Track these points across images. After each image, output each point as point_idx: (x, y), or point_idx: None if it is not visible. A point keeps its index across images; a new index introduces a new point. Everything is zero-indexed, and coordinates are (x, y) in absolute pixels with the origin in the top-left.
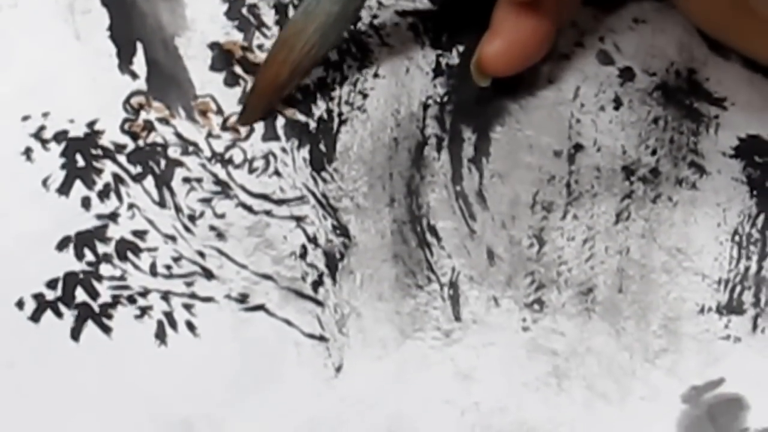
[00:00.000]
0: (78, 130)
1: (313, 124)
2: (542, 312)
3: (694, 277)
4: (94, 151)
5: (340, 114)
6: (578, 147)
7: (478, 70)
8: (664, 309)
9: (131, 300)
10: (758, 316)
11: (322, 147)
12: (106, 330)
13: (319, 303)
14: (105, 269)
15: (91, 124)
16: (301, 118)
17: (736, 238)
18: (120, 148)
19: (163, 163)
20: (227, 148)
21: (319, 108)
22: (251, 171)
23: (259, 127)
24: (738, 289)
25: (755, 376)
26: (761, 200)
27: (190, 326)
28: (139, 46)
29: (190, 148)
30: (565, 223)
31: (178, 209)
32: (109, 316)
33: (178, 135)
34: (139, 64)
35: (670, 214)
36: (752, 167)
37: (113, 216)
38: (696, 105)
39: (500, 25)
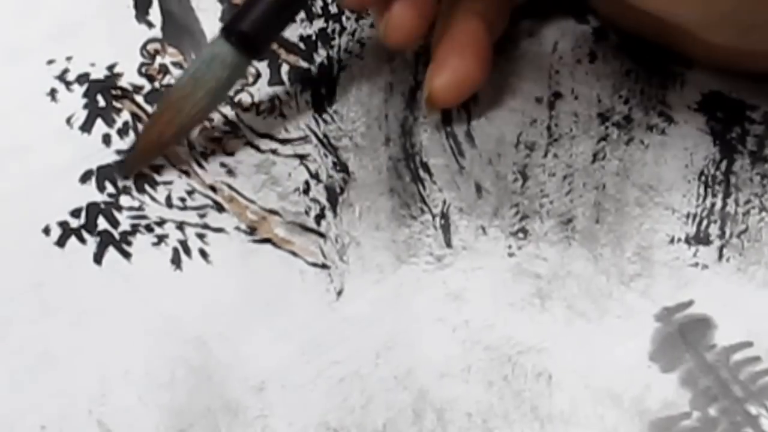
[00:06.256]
0: (99, 73)
1: (314, 70)
2: (526, 239)
3: (665, 211)
4: (113, 92)
5: (339, 61)
6: (557, 95)
7: (429, 104)
8: (638, 239)
9: (149, 229)
10: (723, 247)
11: (323, 91)
12: (126, 255)
13: (321, 235)
14: (124, 200)
15: (111, 68)
16: (304, 64)
17: (702, 178)
18: (137, 89)
19: None
20: (236, 92)
21: (320, 55)
22: (258, 113)
23: (265, 72)
24: (705, 222)
25: (722, 299)
26: (723, 149)
27: (203, 254)
28: None
29: None
30: (547, 161)
31: (191, 146)
32: (129, 243)
33: None
34: (155, 14)
35: (642, 155)
36: (715, 121)
37: (131, 152)
38: (663, 62)
39: (444, 60)
